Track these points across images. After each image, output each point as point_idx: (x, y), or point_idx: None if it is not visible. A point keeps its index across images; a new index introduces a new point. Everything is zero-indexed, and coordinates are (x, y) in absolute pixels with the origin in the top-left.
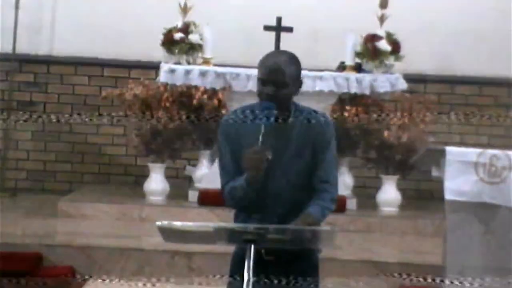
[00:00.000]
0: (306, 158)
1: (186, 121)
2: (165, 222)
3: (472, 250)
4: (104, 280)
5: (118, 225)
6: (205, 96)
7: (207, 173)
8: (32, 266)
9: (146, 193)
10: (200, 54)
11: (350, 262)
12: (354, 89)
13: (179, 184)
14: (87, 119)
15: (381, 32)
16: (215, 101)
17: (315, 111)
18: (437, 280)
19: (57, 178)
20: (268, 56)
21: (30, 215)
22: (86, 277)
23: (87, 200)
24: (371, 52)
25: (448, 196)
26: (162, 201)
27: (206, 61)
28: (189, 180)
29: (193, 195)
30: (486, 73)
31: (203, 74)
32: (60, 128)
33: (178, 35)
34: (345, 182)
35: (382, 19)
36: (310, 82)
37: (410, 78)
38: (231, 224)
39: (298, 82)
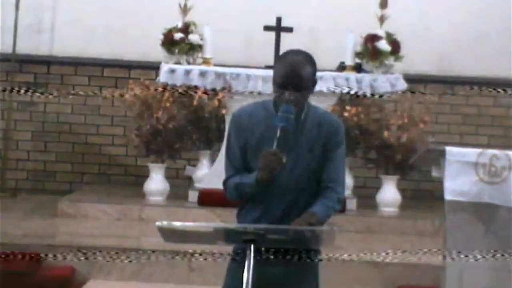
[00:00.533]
0: (316, 156)
1: (186, 121)
2: (165, 222)
3: (472, 250)
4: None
5: (118, 225)
6: (205, 97)
7: (207, 173)
8: (32, 266)
9: (146, 193)
10: (200, 54)
11: (350, 262)
12: (354, 89)
13: (179, 184)
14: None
15: (381, 32)
16: (215, 102)
17: (327, 111)
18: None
19: (57, 178)
20: (285, 59)
21: (30, 215)
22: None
23: (87, 200)
24: (371, 52)
25: (448, 196)
26: (162, 201)
27: (206, 61)
28: (189, 180)
29: (193, 195)
30: (486, 73)
31: (203, 74)
32: (60, 128)
33: (178, 35)
34: (345, 182)
35: (382, 19)
36: None
37: (410, 79)
38: (231, 224)
39: (314, 80)
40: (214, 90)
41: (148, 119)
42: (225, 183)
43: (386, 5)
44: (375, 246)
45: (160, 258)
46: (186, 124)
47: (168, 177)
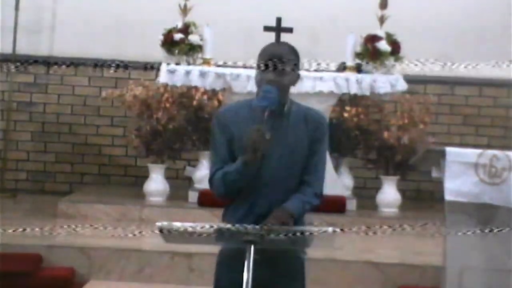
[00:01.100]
0: (302, 152)
1: (186, 121)
2: (165, 223)
3: (472, 251)
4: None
5: (118, 226)
6: (205, 97)
7: (207, 174)
8: (32, 267)
9: (146, 194)
10: (200, 55)
11: (350, 263)
12: (354, 90)
13: (179, 185)
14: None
15: (381, 32)
16: (215, 102)
17: (309, 107)
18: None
19: (57, 178)
20: (269, 45)
21: (30, 216)
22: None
23: (87, 201)
24: (371, 52)
25: (448, 196)
26: (162, 202)
27: (206, 62)
28: (189, 180)
29: (193, 196)
30: (486, 74)
31: (203, 74)
32: (60, 128)
33: (178, 36)
34: (345, 182)
35: (382, 19)
36: (310, 83)
37: (410, 79)
38: (231, 225)
39: (297, 73)
40: (214, 90)
41: (148, 119)
42: (211, 179)
43: (386, 5)
44: (375, 246)
45: (160, 259)
46: (186, 124)
47: (168, 177)
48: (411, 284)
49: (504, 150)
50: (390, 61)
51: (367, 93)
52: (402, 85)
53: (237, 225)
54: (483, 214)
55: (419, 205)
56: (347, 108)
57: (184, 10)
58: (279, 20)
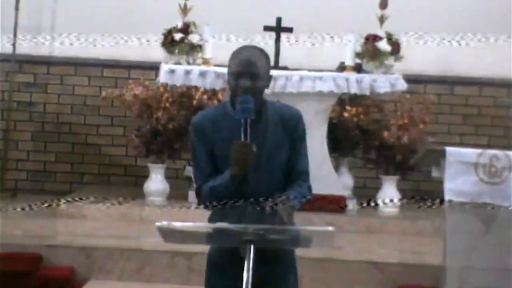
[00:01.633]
0: (283, 151)
1: (186, 121)
2: (165, 223)
3: (472, 251)
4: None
5: (118, 226)
6: (205, 97)
7: None
8: (32, 267)
9: (146, 194)
10: (200, 55)
11: (350, 263)
12: (354, 90)
13: (179, 184)
14: None
15: (381, 32)
16: (215, 102)
17: (283, 104)
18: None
19: (57, 178)
20: (239, 50)
21: (30, 216)
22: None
23: (87, 200)
24: (371, 52)
25: (448, 196)
26: (162, 201)
27: (206, 62)
28: (189, 180)
29: (193, 196)
30: (486, 74)
31: (203, 74)
32: (60, 128)
33: (178, 36)
34: (345, 182)
35: (382, 19)
36: (310, 83)
37: (410, 79)
38: (231, 225)
39: (269, 76)
40: (214, 90)
41: (148, 119)
42: (198, 192)
43: (386, 5)
44: (375, 246)
45: (160, 259)
46: (186, 124)
47: (168, 177)
48: (411, 284)
49: (504, 150)
50: (390, 61)
51: (367, 92)
52: (402, 85)
53: (237, 225)
54: (483, 214)
55: (419, 205)
56: (347, 108)
57: (184, 10)
58: (279, 20)
